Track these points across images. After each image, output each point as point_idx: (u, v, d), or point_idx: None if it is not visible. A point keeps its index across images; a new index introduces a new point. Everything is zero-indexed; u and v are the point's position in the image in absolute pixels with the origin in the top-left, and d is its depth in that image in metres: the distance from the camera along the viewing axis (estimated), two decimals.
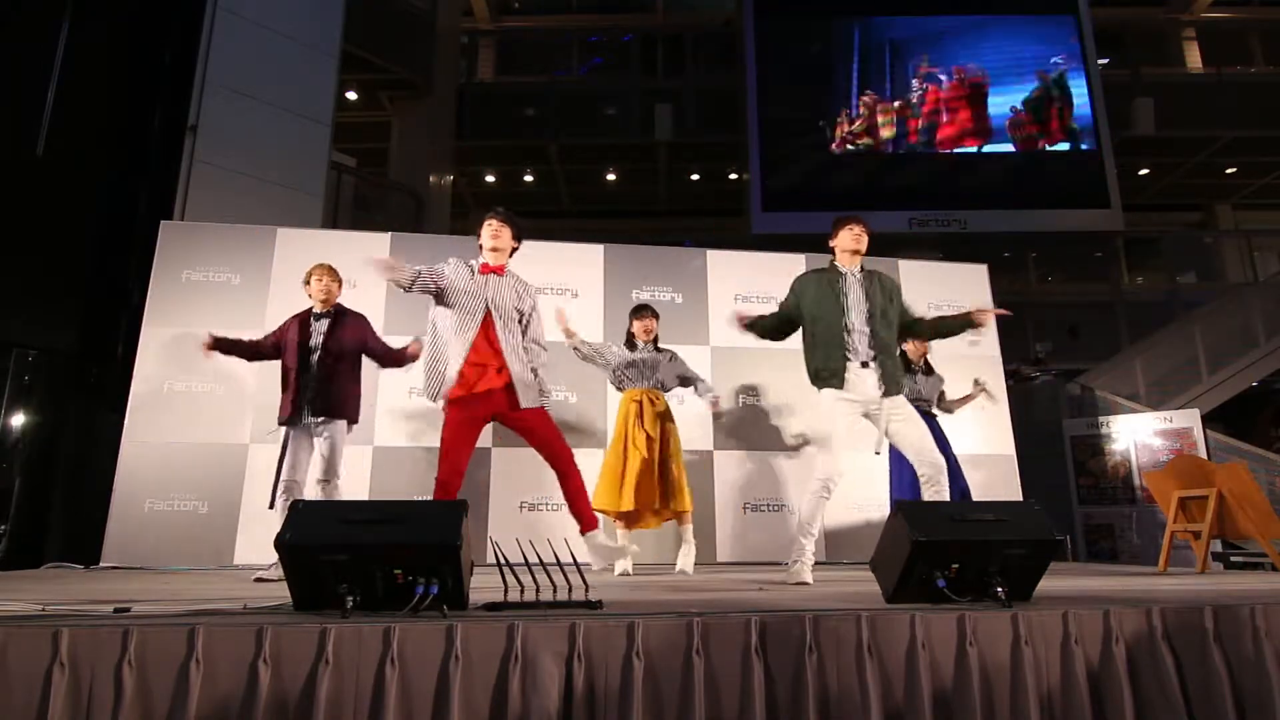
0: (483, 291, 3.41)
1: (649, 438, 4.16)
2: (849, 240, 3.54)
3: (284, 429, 3.86)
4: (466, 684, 1.65)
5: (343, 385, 3.89)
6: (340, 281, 4.12)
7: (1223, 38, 14.89)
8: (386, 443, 5.09)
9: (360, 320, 4.10)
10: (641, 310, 4.42)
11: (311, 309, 4.02)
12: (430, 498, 3.37)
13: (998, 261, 7.93)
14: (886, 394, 3.37)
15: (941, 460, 3.33)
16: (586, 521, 3.48)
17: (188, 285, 5.13)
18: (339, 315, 4.02)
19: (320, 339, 3.91)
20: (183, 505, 4.78)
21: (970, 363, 5.95)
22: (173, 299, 5.09)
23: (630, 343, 4.44)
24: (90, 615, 1.80)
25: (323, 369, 3.85)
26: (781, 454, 5.56)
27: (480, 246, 3.51)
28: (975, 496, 5.41)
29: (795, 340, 5.74)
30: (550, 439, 3.47)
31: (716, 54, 14.93)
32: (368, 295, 5.24)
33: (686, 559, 4.23)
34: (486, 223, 3.51)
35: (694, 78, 14.84)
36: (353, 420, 3.96)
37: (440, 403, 3.37)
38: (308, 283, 4.04)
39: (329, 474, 3.79)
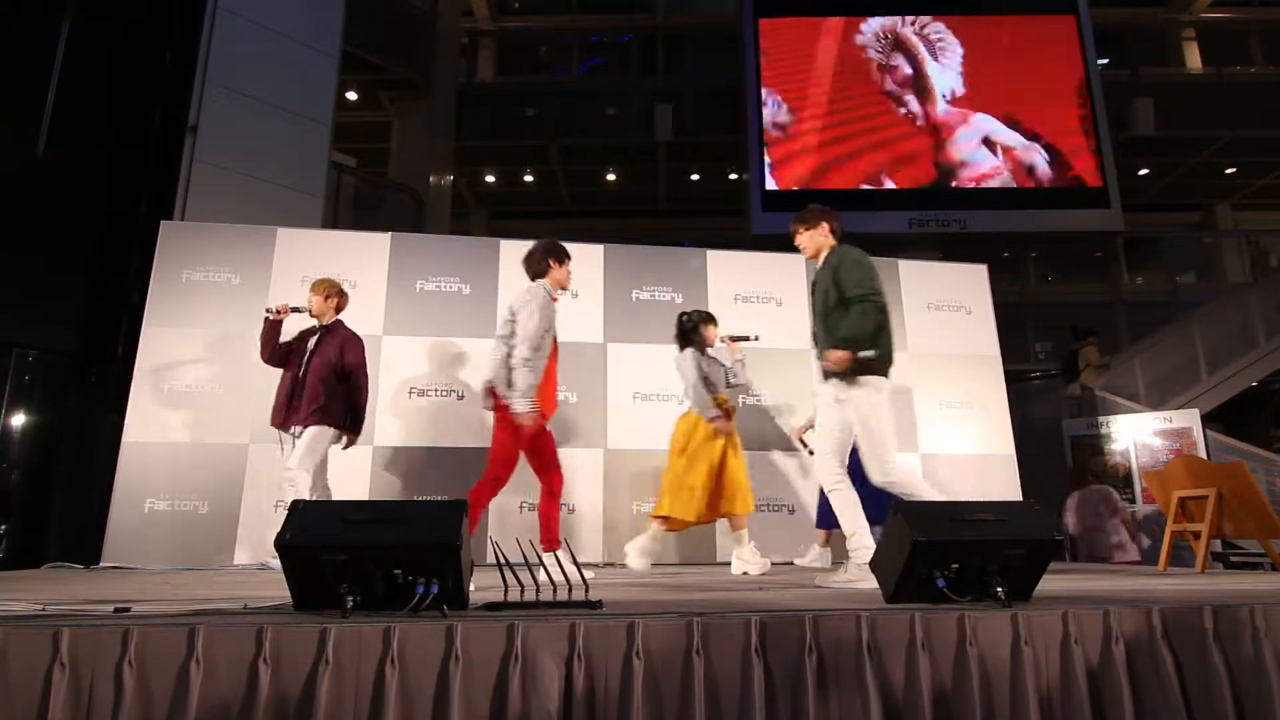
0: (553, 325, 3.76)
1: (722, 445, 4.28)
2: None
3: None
4: (466, 684, 1.65)
5: (325, 396, 4.17)
6: (332, 296, 4.37)
7: (1222, 38, 14.90)
8: (386, 443, 5.09)
9: (341, 340, 4.32)
10: (710, 318, 4.48)
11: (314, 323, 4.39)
12: (429, 498, 3.40)
13: (998, 261, 7.94)
14: None
15: None
16: (553, 542, 3.55)
17: (188, 285, 5.13)
18: (326, 332, 4.33)
19: (308, 353, 4.28)
20: (183, 505, 4.78)
21: (968, 362, 5.96)
22: (173, 299, 5.09)
23: (703, 350, 4.45)
24: (90, 615, 1.80)
25: (306, 381, 4.20)
26: (781, 454, 5.56)
27: (551, 282, 3.82)
28: (975, 496, 5.41)
29: (797, 341, 5.78)
30: (549, 455, 3.72)
31: (716, 54, 14.93)
32: (368, 294, 5.25)
33: (748, 561, 4.14)
34: (567, 267, 3.86)
35: (694, 78, 14.84)
36: (336, 427, 4.21)
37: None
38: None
39: (298, 464, 4.04)
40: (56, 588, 2.97)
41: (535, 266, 3.82)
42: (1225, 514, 4.20)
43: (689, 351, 4.41)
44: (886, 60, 12.56)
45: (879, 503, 3.26)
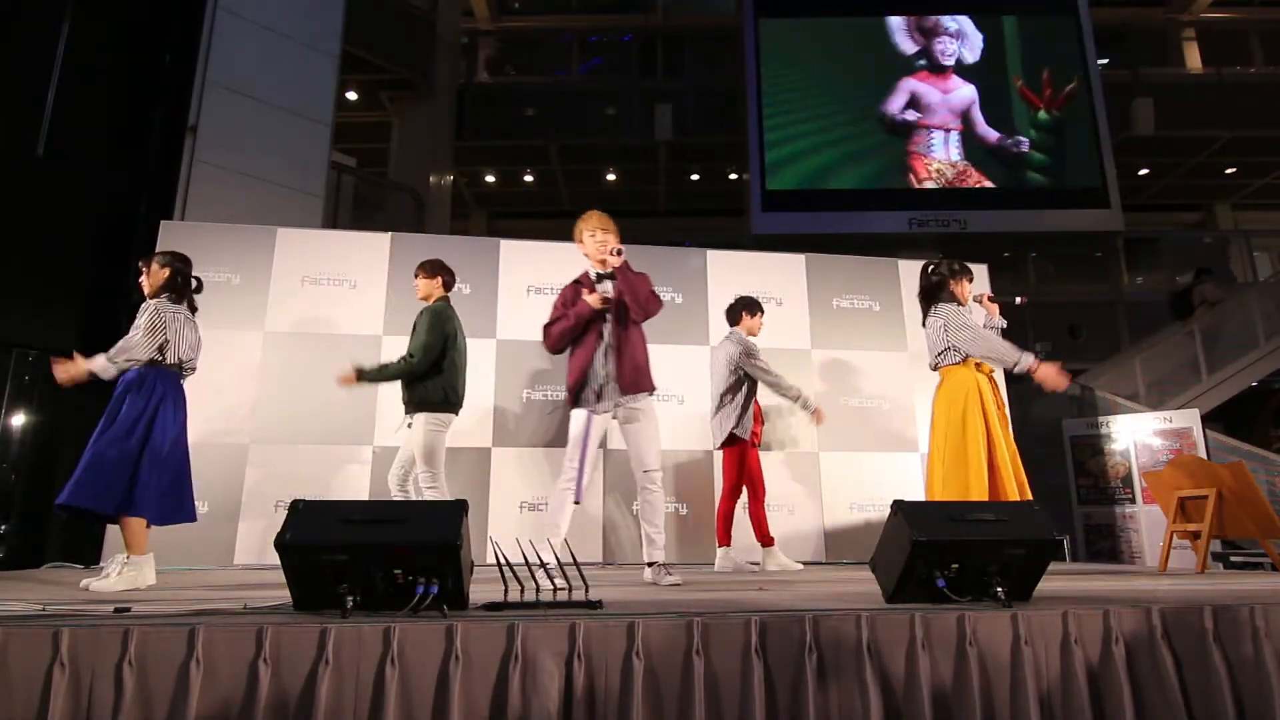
0: None
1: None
2: None
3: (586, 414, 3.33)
4: (466, 684, 1.65)
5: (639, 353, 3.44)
6: None
7: (1222, 38, 14.89)
8: (386, 443, 5.09)
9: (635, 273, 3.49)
10: (966, 270, 3.84)
11: (590, 271, 3.50)
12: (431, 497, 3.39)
13: (998, 261, 7.93)
14: None
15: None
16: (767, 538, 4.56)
17: None
18: (619, 273, 3.39)
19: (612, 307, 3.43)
20: None
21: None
22: None
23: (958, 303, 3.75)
24: (90, 615, 1.80)
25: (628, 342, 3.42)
26: (780, 454, 5.56)
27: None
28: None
29: (797, 341, 5.78)
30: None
31: (716, 54, 14.93)
32: (367, 295, 5.24)
33: None
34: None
35: (694, 78, 14.84)
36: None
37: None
38: (582, 240, 3.53)
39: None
40: (56, 588, 2.97)
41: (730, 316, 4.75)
42: (1225, 514, 4.20)
43: (949, 307, 3.65)
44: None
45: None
